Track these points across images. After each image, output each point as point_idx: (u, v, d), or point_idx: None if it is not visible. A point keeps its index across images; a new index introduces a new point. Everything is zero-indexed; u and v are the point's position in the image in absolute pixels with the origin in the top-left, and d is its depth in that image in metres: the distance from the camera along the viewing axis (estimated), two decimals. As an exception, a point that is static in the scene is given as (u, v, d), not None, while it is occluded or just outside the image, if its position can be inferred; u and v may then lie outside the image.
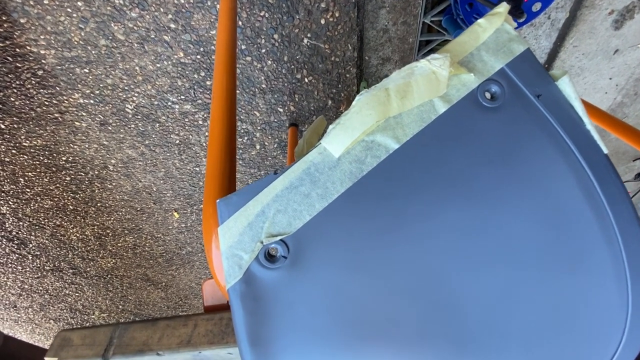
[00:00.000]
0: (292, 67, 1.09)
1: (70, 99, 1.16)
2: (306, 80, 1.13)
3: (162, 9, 0.95)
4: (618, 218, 0.25)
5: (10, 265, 1.86)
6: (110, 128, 1.26)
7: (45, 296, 2.16)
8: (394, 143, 0.25)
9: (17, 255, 1.80)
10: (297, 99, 1.18)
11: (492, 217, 0.26)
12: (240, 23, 0.98)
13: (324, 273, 0.24)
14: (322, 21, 1.00)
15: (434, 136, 0.26)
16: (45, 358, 0.41)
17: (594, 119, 0.75)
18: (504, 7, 0.27)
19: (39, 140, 1.29)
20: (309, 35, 1.02)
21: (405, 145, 0.25)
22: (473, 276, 0.26)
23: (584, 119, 0.26)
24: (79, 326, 2.67)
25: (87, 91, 1.14)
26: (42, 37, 0.98)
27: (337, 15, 0.99)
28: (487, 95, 0.27)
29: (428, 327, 0.25)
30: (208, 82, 1.13)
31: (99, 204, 1.60)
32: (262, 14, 0.97)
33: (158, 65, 1.07)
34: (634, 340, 0.26)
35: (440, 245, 0.25)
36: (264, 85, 1.13)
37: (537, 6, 0.97)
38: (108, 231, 1.77)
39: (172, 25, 0.98)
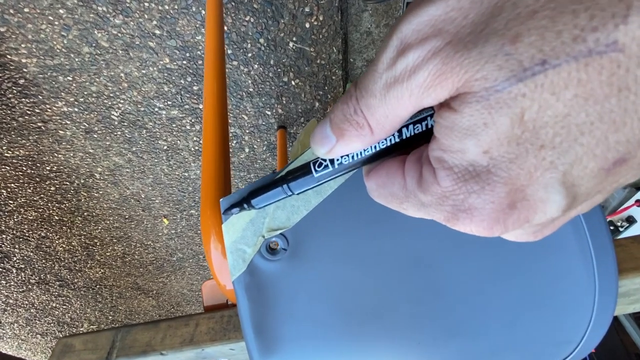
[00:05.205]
0: (279, 70, 1.11)
1: (54, 108, 1.14)
2: (293, 83, 1.15)
3: (146, 16, 0.95)
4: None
5: (-7, 280, 1.81)
6: (95, 136, 1.25)
7: (32, 310, 2.10)
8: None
9: (0, 269, 1.75)
10: (284, 102, 1.20)
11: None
12: (225, 28, 0.99)
13: (320, 262, 0.26)
14: (307, 25, 1.02)
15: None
16: (47, 364, 0.41)
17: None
18: None
19: (21, 151, 1.26)
20: (294, 38, 1.04)
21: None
22: (454, 262, 0.28)
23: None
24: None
25: (71, 99, 1.12)
26: (23, 45, 0.97)
27: (321, 19, 1.01)
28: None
29: (416, 309, 0.28)
30: (195, 87, 1.13)
31: (85, 213, 1.58)
32: (247, 18, 0.98)
33: (144, 71, 1.07)
34: (603, 319, 0.29)
35: (421, 232, 0.28)
36: (251, 89, 1.15)
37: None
38: (96, 240, 1.74)
39: (157, 32, 0.98)
